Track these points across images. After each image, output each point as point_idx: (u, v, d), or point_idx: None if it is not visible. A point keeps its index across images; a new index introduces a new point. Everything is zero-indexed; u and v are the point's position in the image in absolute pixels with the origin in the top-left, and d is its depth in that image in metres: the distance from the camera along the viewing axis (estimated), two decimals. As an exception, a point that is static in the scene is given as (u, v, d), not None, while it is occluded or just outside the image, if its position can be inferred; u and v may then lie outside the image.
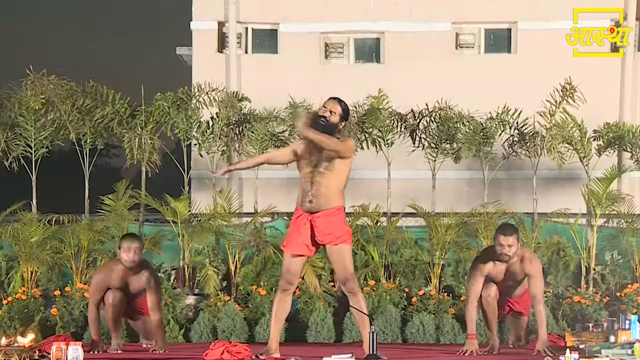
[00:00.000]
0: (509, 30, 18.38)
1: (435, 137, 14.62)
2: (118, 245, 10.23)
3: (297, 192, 8.74)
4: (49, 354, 8.20)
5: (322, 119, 8.61)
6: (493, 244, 9.94)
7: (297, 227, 8.68)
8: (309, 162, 8.65)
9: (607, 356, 8.51)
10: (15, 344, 8.85)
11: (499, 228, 9.93)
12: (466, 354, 9.60)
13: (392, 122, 14.64)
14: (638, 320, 10.02)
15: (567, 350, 7.87)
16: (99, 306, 10.35)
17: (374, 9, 18.19)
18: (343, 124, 8.71)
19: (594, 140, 14.52)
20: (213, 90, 14.96)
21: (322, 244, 8.67)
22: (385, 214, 14.38)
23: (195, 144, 15.05)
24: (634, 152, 14.45)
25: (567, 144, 14.40)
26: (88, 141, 14.61)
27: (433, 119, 14.66)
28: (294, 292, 9.06)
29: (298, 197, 8.73)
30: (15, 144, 14.47)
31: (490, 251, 10.00)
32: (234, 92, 15.45)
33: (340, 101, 8.72)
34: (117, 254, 10.24)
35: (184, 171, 14.88)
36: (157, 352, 10.06)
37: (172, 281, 13.73)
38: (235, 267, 13.77)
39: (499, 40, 18.51)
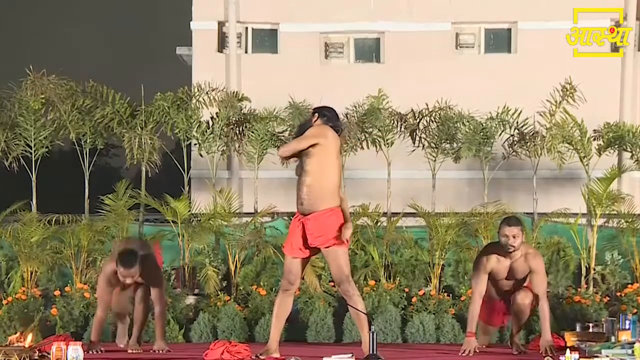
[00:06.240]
0: (509, 30, 18.37)
1: (435, 137, 14.62)
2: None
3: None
4: (49, 354, 8.20)
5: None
6: (496, 240, 9.92)
7: (292, 229, 8.68)
8: (299, 163, 8.66)
9: (607, 356, 8.51)
10: (16, 344, 8.86)
11: (504, 220, 9.83)
12: (464, 353, 9.58)
13: (392, 122, 14.64)
14: (638, 320, 10.03)
15: (567, 350, 7.86)
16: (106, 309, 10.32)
17: (374, 9, 18.17)
18: (316, 119, 8.75)
19: (594, 140, 14.51)
20: (213, 90, 14.96)
21: (313, 247, 8.61)
22: (385, 214, 14.37)
23: (195, 144, 15.05)
24: (634, 152, 14.44)
25: (567, 143, 14.39)
26: (88, 141, 14.61)
27: (433, 119, 14.65)
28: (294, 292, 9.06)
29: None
30: (15, 144, 14.47)
31: (493, 246, 9.97)
32: (234, 92, 15.44)
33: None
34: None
35: (184, 171, 14.88)
36: (158, 352, 10.06)
37: (172, 281, 13.73)
38: (235, 267, 13.77)
39: (499, 40, 18.50)
